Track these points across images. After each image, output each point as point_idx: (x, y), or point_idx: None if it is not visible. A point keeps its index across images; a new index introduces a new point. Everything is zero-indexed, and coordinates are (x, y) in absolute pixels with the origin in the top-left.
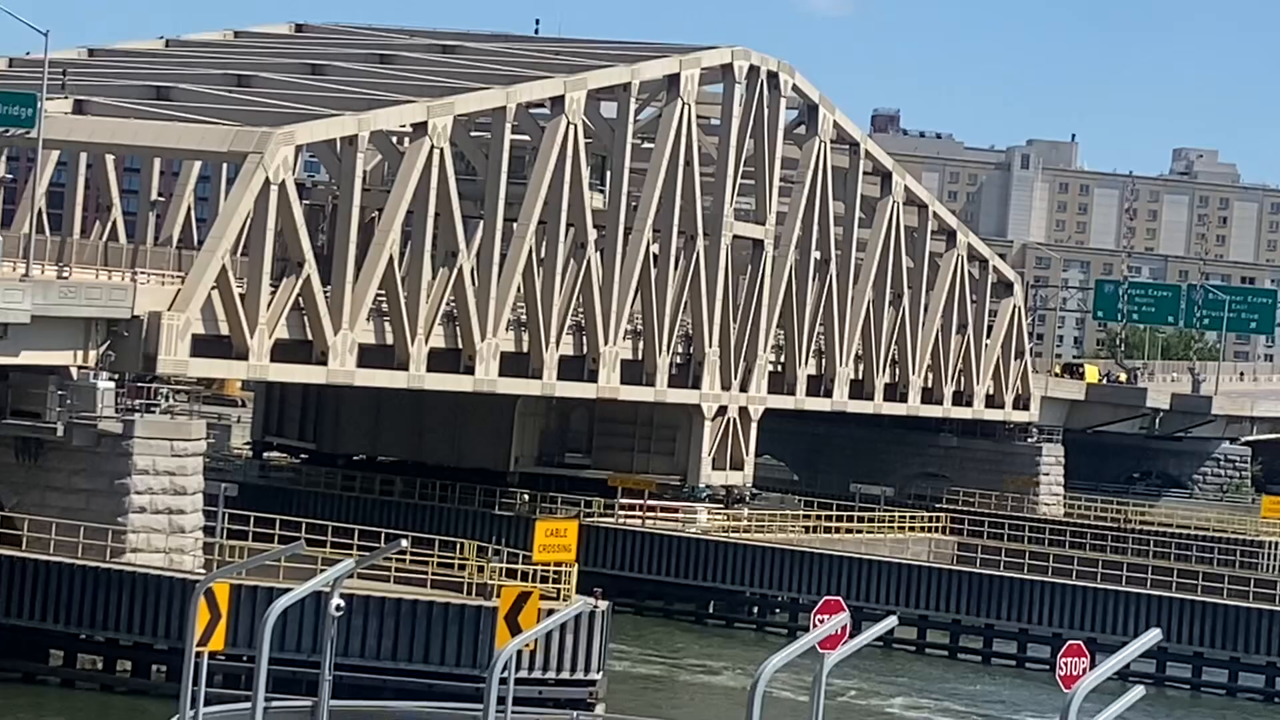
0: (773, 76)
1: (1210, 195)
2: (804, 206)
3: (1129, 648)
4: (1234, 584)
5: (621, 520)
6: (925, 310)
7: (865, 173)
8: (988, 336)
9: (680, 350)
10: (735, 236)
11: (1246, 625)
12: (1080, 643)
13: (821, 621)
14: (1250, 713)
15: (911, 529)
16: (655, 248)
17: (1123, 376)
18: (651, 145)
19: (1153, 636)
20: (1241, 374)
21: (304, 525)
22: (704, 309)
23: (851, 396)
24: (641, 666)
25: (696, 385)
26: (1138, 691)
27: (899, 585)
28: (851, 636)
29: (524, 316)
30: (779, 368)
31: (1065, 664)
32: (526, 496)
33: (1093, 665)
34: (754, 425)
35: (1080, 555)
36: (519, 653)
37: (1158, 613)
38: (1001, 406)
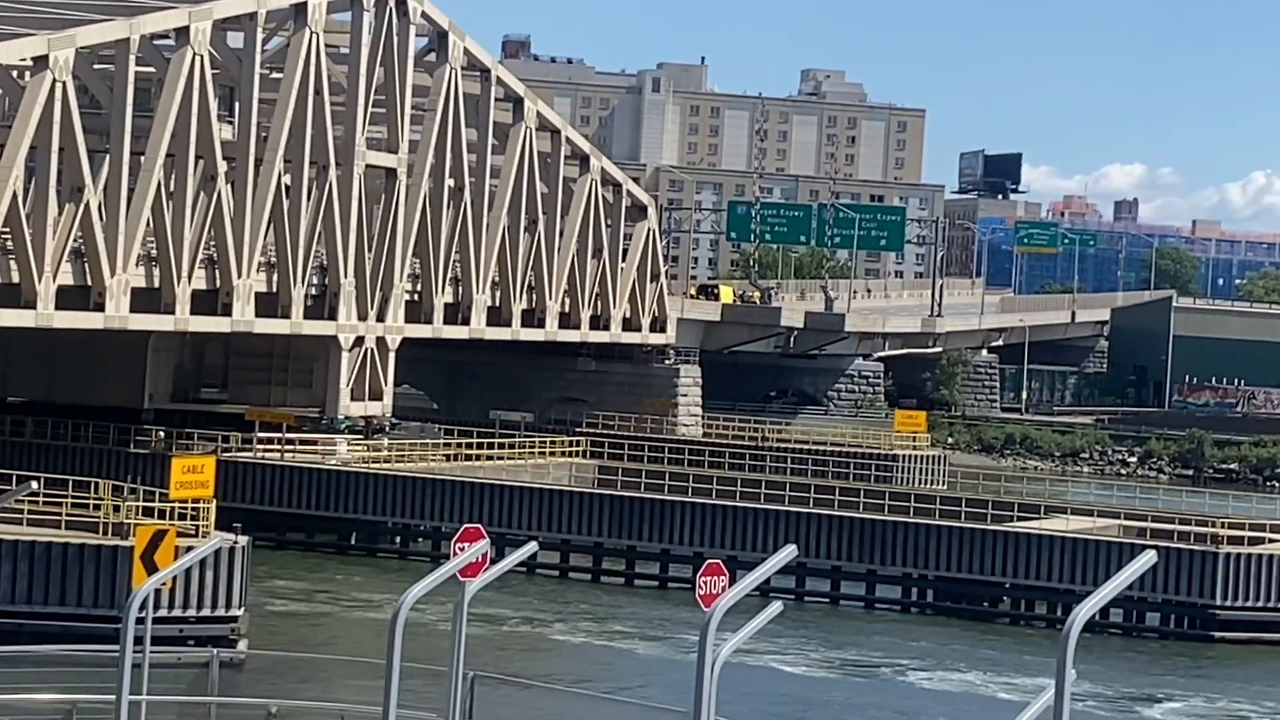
0: (401, 4)
1: (839, 115)
2: (436, 134)
3: (765, 564)
4: (870, 498)
5: (260, 454)
6: (561, 235)
7: (497, 99)
8: (623, 260)
9: (315, 281)
10: (368, 166)
11: (883, 538)
12: (719, 561)
13: (461, 550)
14: (887, 623)
15: (552, 454)
16: (287, 179)
17: (757, 296)
18: (280, 75)
19: (788, 553)
20: (868, 291)
21: None
22: (338, 239)
23: (489, 323)
24: (284, 601)
25: (333, 316)
26: (776, 607)
27: (541, 510)
28: (493, 563)
29: (154, 251)
30: (416, 297)
31: (704, 583)
32: (162, 434)
33: (732, 583)
34: (392, 355)
35: (719, 475)
36: (158, 591)
37: (796, 529)
38: (639, 329)
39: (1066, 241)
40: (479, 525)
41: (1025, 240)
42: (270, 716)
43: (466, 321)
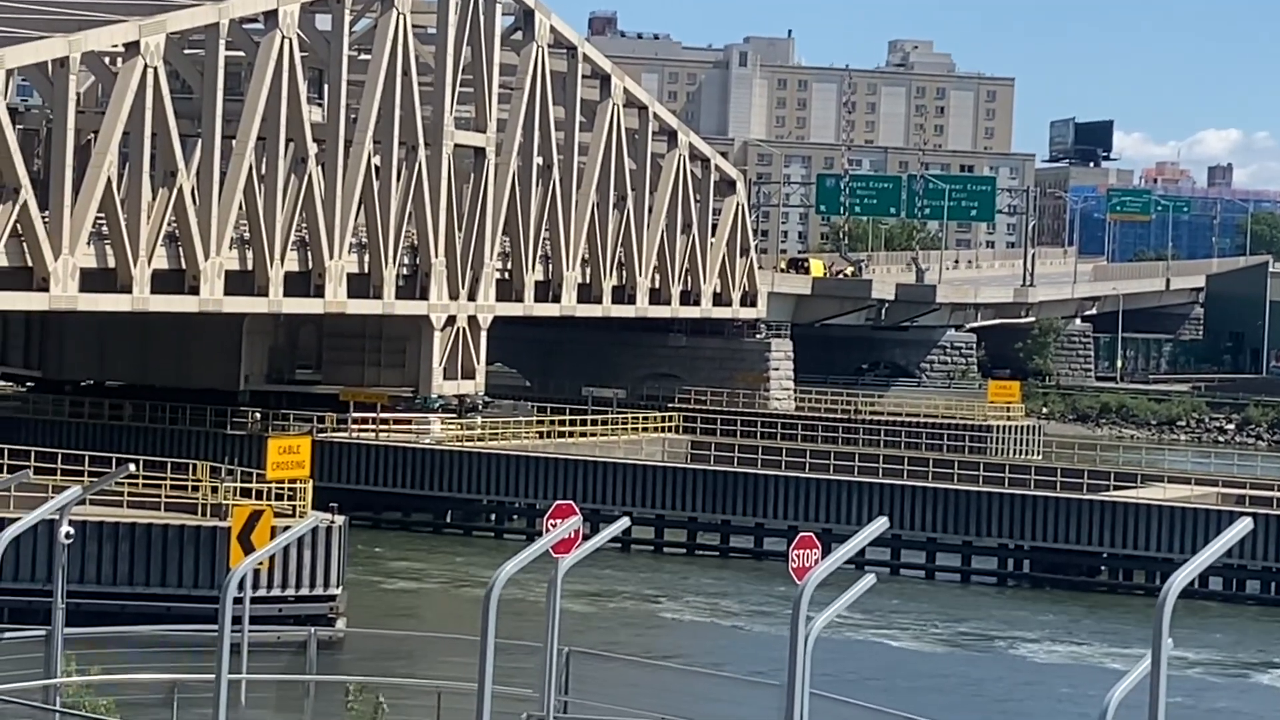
0: None
1: (927, 86)
2: (524, 112)
3: (856, 537)
4: (964, 469)
5: (355, 434)
6: (650, 212)
7: (584, 76)
8: (712, 235)
9: (406, 261)
10: (457, 145)
11: (977, 509)
12: (812, 534)
13: (554, 526)
14: (982, 595)
15: (645, 430)
16: (377, 160)
17: (848, 269)
18: (368, 57)
19: (880, 525)
20: (957, 261)
21: (32, 454)
22: (428, 219)
23: (580, 300)
24: (382, 580)
25: (424, 296)
26: (869, 580)
27: (634, 486)
28: (586, 539)
29: (247, 234)
30: (506, 275)
31: (797, 556)
32: (258, 415)
33: (825, 556)
34: (483, 334)
35: (812, 448)
36: (256, 571)
37: (890, 501)
38: (729, 304)
39: (1160, 208)
40: (571, 502)
41: (1118, 208)
42: (352, 694)
43: (557, 299)
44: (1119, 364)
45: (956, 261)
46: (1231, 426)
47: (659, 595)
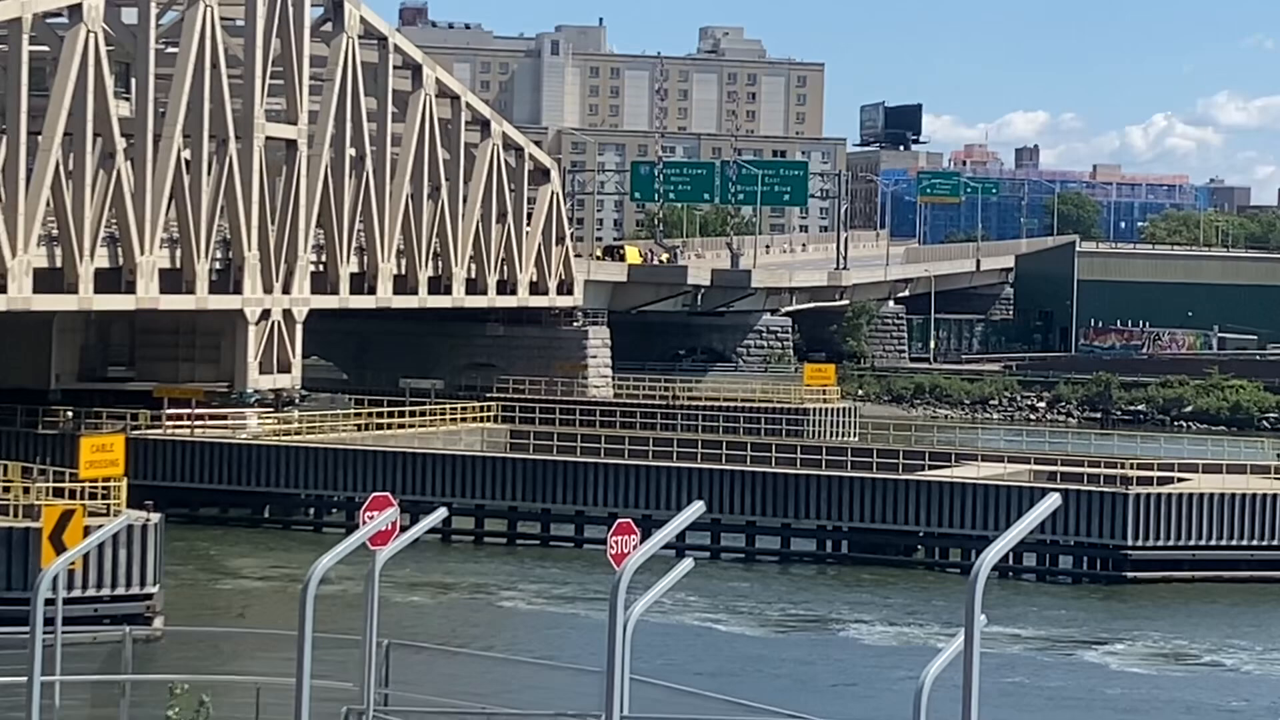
0: None
1: (738, 72)
2: (335, 104)
3: (673, 522)
4: (781, 452)
5: (170, 431)
6: (464, 202)
7: (395, 67)
8: (528, 224)
9: (219, 256)
10: (268, 138)
11: (795, 492)
12: (629, 520)
13: (371, 519)
14: (801, 576)
15: (463, 420)
16: (187, 153)
17: (663, 256)
18: (176, 50)
19: (696, 509)
20: (768, 247)
21: None
22: (241, 213)
23: (396, 292)
24: (200, 576)
25: (238, 290)
26: (687, 564)
27: (454, 477)
28: (404, 531)
29: (55, 231)
30: (321, 267)
31: (615, 542)
32: (70, 413)
33: (644, 542)
34: (299, 327)
35: (631, 435)
36: (72, 571)
37: (709, 485)
38: (545, 293)
39: (969, 190)
40: (388, 494)
41: (928, 190)
42: (174, 695)
43: (373, 291)
44: (932, 345)
45: (768, 247)
46: (1043, 404)
47: (489, 585)
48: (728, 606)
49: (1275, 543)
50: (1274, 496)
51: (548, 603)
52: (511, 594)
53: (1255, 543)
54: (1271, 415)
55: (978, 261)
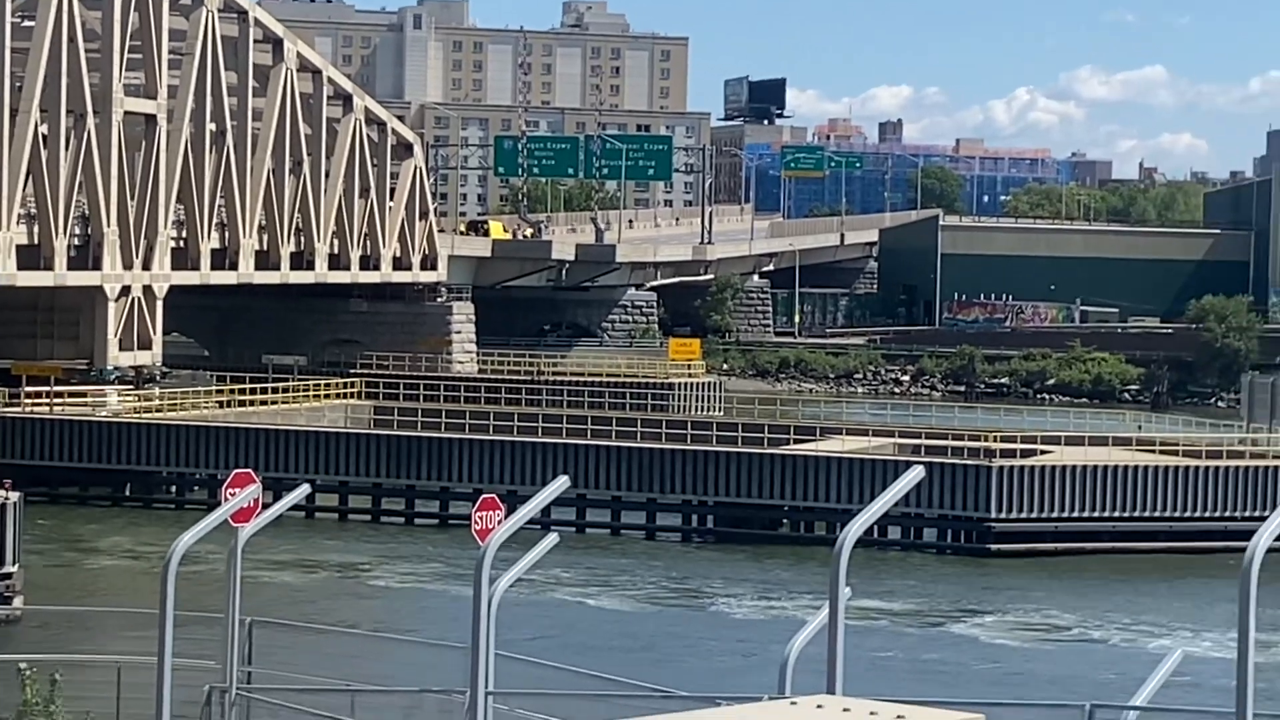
0: None
1: (602, 46)
2: (195, 78)
3: (537, 497)
4: (647, 427)
5: (28, 409)
6: (326, 177)
7: (256, 41)
8: (391, 199)
9: (78, 232)
10: (127, 113)
11: (661, 466)
12: (494, 496)
13: (232, 495)
14: (667, 551)
15: (327, 397)
16: (44, 128)
17: (528, 231)
18: (32, 23)
19: (561, 484)
20: (631, 222)
21: None
22: (100, 188)
23: (258, 268)
24: (61, 555)
25: (97, 266)
26: (551, 539)
27: (317, 453)
28: (266, 508)
29: None
30: (182, 243)
31: (480, 518)
32: None
33: (509, 517)
34: (159, 303)
35: (496, 410)
36: None
37: (574, 461)
38: (409, 268)
39: (833, 165)
40: (250, 470)
41: (792, 165)
42: (27, 672)
43: (234, 267)
44: (797, 319)
45: (631, 222)
46: (907, 378)
47: (354, 563)
48: (599, 582)
49: (1137, 514)
50: (1135, 468)
51: (413, 579)
52: (377, 571)
53: (1117, 514)
54: (1133, 387)
55: (842, 236)
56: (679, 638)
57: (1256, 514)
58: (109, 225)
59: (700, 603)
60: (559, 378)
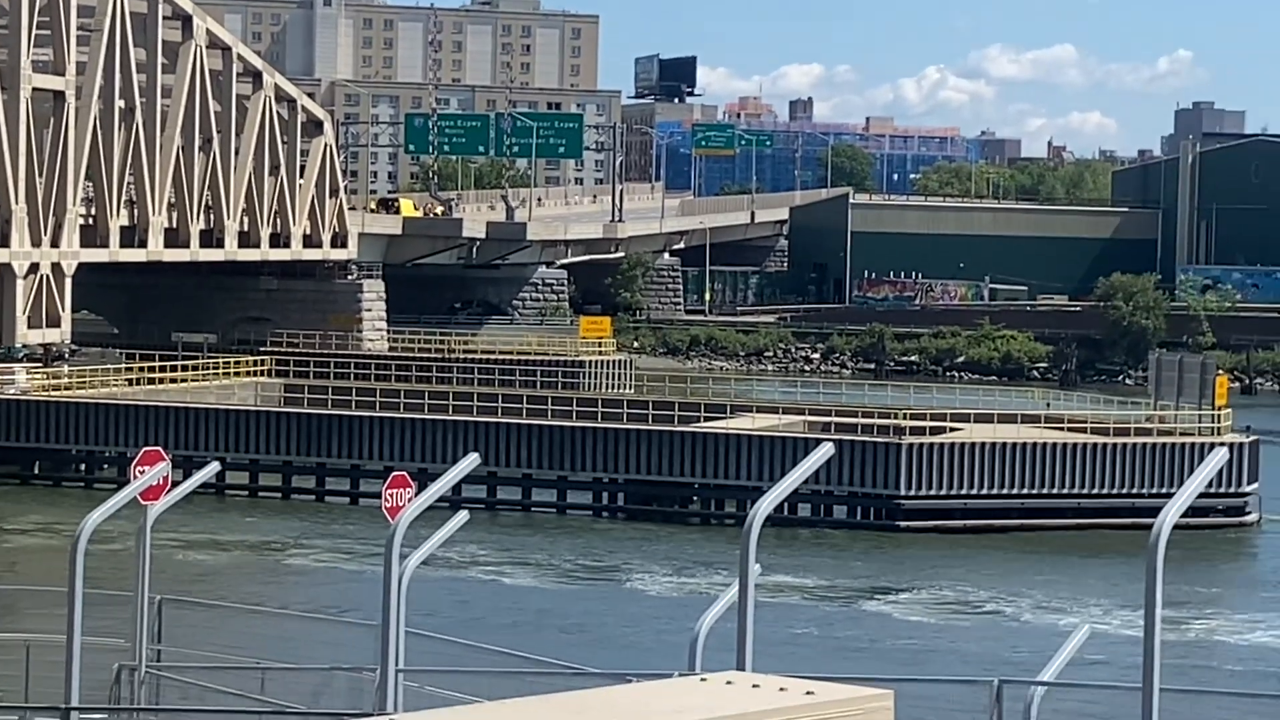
0: None
1: (513, 24)
2: (104, 55)
3: (447, 475)
4: (557, 405)
5: None
6: (236, 154)
7: (165, 17)
8: (301, 177)
9: None
10: (35, 89)
11: (571, 444)
12: (404, 473)
13: (142, 473)
14: (577, 528)
15: (237, 374)
16: None
17: (438, 209)
18: None
19: (471, 461)
20: (540, 200)
21: None
22: (7, 165)
23: (167, 245)
24: None
25: (5, 244)
26: (462, 516)
27: (227, 432)
28: (175, 486)
29: None
30: (90, 220)
31: (390, 495)
32: None
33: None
34: (68, 281)
35: (407, 388)
36: None
37: (485, 438)
38: (319, 246)
39: (743, 143)
40: (159, 448)
41: (702, 143)
42: None
43: (144, 244)
44: (707, 297)
45: (540, 200)
46: (817, 356)
47: (265, 540)
48: (512, 560)
49: (1045, 491)
50: (1044, 445)
51: (324, 557)
52: (288, 549)
53: (1026, 491)
54: (1041, 365)
55: (752, 214)
56: (592, 615)
57: (1163, 491)
58: (17, 202)
59: (613, 580)
60: (470, 356)
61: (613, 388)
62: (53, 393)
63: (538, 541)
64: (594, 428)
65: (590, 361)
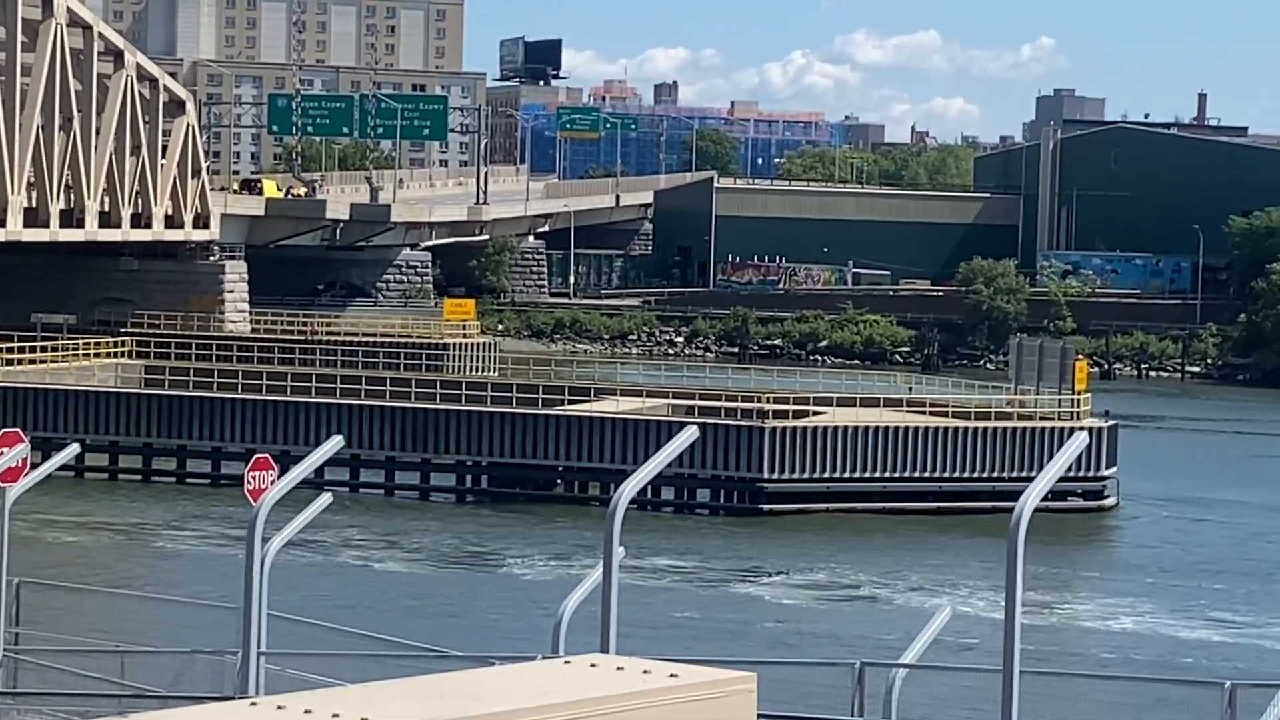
0: None
1: (377, 5)
2: None
3: (310, 457)
4: (421, 387)
5: None
6: (97, 134)
7: None
8: (163, 157)
9: None
10: None
11: (435, 427)
12: (267, 456)
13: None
14: (441, 511)
15: (97, 356)
16: None
17: (301, 190)
18: None
19: (334, 444)
20: (402, 181)
21: None
22: None
23: (26, 225)
24: None
25: None
26: (325, 499)
27: (87, 413)
28: (34, 468)
29: None
30: None
31: (253, 478)
32: None
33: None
34: None
35: (269, 370)
36: None
37: (348, 421)
38: (181, 226)
39: (608, 126)
40: (17, 430)
41: (567, 126)
42: None
43: (2, 224)
44: (572, 280)
45: (405, 182)
46: (681, 339)
47: (127, 523)
48: (377, 543)
49: (908, 474)
50: (906, 429)
51: (186, 539)
52: (149, 531)
53: (888, 474)
54: (904, 349)
55: (617, 197)
56: (458, 598)
57: (1024, 474)
58: None
59: (479, 563)
60: (333, 338)
61: (477, 370)
62: None
63: (402, 524)
64: (458, 410)
65: (454, 344)
